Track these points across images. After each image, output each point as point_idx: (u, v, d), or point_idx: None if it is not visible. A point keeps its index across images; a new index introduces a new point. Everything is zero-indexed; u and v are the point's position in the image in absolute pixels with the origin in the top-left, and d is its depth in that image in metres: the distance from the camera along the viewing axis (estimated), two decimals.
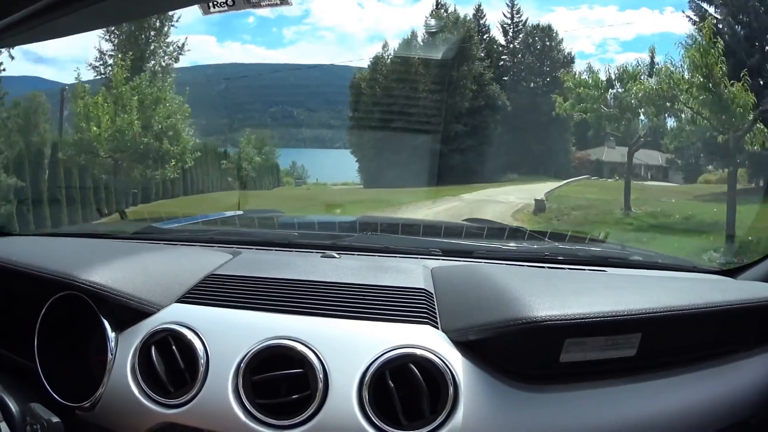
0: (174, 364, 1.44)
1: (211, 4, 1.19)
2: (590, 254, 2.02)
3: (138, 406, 1.42)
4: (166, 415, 1.40)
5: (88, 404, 1.49)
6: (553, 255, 1.94)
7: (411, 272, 1.74)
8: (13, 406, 1.52)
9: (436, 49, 20.90)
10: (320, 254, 1.95)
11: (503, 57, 23.67)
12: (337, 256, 1.92)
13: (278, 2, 1.17)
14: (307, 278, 1.66)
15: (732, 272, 1.80)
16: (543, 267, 1.84)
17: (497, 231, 2.51)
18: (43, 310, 1.60)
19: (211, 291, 1.62)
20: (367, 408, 1.28)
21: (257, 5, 1.17)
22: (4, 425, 1.44)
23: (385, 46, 22.66)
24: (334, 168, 23.87)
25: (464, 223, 2.74)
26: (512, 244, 2.20)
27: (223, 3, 1.16)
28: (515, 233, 2.42)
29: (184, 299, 1.59)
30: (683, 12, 15.11)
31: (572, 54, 23.67)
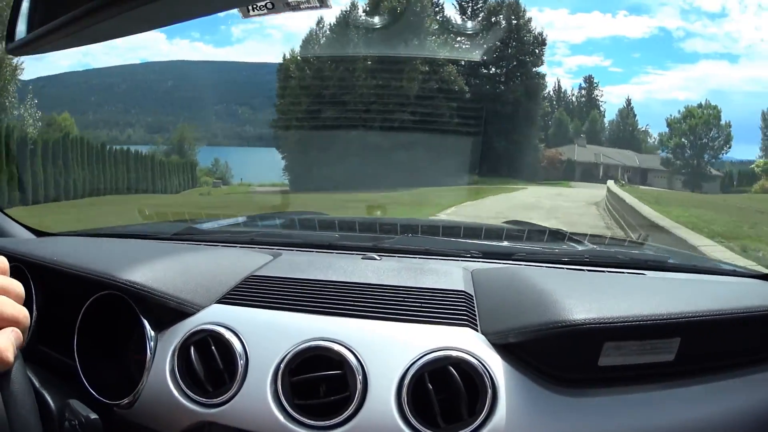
0: (213, 364, 1.45)
1: (250, 8, 1.20)
2: (630, 257, 2.00)
3: (176, 404, 1.44)
4: (204, 415, 1.41)
5: (126, 402, 1.51)
6: (592, 258, 1.93)
7: (451, 274, 1.74)
8: (51, 401, 1.55)
9: (383, 33, 19.33)
10: (361, 256, 1.97)
11: (460, 37, 21.94)
12: (377, 257, 1.93)
13: (317, 5, 1.17)
14: (348, 280, 1.67)
15: None
16: (583, 270, 1.84)
17: (537, 233, 2.50)
18: (83, 309, 1.62)
19: (252, 292, 1.63)
20: (406, 410, 1.28)
21: (296, 8, 1.17)
22: None
23: (329, 37, 21.30)
24: (268, 167, 22.68)
25: (504, 225, 2.73)
26: (552, 247, 2.19)
27: (263, 6, 1.17)
28: (555, 235, 2.40)
29: (224, 300, 1.61)
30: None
31: (544, 36, 23.33)
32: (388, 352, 1.37)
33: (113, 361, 1.65)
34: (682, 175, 29.92)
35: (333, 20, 20.67)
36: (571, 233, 2.37)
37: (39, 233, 2.39)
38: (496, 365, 1.33)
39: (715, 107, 29.59)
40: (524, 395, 1.30)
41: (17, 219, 2.39)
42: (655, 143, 31.48)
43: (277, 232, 2.44)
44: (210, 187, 22.15)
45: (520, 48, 21.88)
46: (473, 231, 2.48)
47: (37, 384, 1.55)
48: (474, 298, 1.58)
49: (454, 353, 1.33)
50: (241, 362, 1.42)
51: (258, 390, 1.38)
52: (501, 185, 19.50)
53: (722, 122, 29.76)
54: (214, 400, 1.41)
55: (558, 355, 1.34)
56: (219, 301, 1.61)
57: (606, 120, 30.36)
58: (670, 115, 30.22)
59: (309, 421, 1.32)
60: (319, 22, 21.57)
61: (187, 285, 1.61)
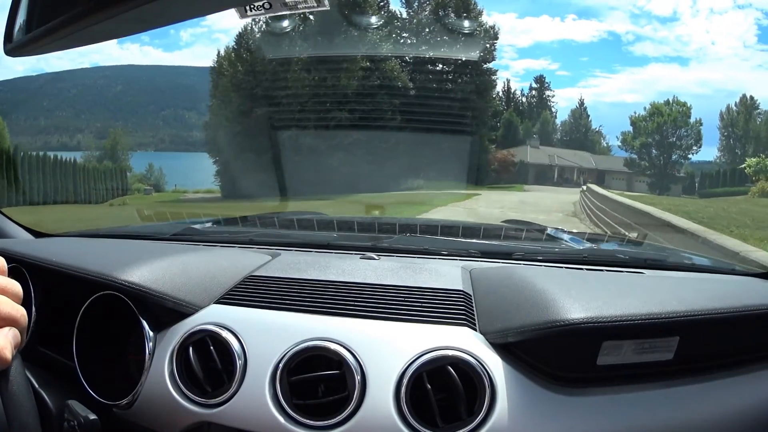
0: (212, 364, 1.46)
1: (248, 8, 1.20)
2: (628, 256, 2.00)
3: (175, 405, 1.44)
4: (202, 415, 1.42)
5: (125, 402, 1.52)
6: (591, 257, 1.93)
7: (449, 274, 1.74)
8: (50, 402, 1.55)
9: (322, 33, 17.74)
10: (359, 256, 1.97)
11: (405, 32, 20.51)
12: (376, 257, 1.94)
13: (315, 4, 1.17)
14: (346, 280, 1.67)
15: None
16: (582, 269, 1.83)
17: (536, 233, 2.50)
18: (82, 310, 1.62)
19: (250, 292, 1.64)
20: (404, 409, 1.29)
21: (294, 8, 1.17)
22: None
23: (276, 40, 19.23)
24: (207, 173, 21.57)
25: (503, 224, 2.73)
26: (551, 246, 2.19)
27: (260, 6, 1.17)
28: (554, 235, 2.40)
29: (222, 300, 1.62)
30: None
31: (496, 30, 22.09)
32: (386, 351, 1.37)
33: (112, 361, 1.65)
34: (648, 177, 28.79)
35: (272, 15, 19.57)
36: (570, 232, 2.37)
37: (38, 234, 2.39)
38: (494, 365, 1.33)
39: (684, 104, 28.65)
40: (523, 395, 1.30)
41: (16, 220, 2.40)
42: (607, 144, 31.16)
43: (276, 233, 2.44)
44: (142, 194, 21.44)
45: (470, 42, 20.36)
46: (472, 230, 2.48)
47: (36, 384, 1.55)
48: (473, 298, 1.58)
49: (452, 353, 1.34)
50: (239, 362, 1.42)
51: (256, 390, 1.38)
52: (450, 190, 18.01)
53: (691, 120, 28.80)
54: (213, 400, 1.41)
55: (557, 355, 1.34)
56: (218, 302, 1.61)
57: (558, 121, 29.44)
58: (635, 113, 29.40)
59: (307, 421, 1.32)
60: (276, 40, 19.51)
61: (186, 285, 1.61)
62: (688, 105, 28.15)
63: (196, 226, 2.43)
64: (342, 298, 1.56)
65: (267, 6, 1.19)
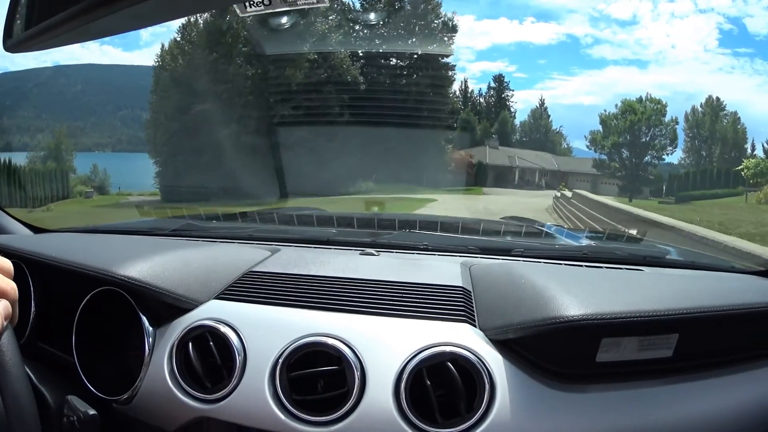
0: (211, 359, 1.46)
1: (247, 4, 1.19)
2: (628, 253, 2.00)
3: (174, 400, 1.45)
4: (202, 410, 1.42)
5: (124, 398, 1.52)
6: (591, 253, 1.94)
7: (449, 270, 1.74)
8: (50, 397, 1.55)
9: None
10: (359, 251, 1.97)
11: (358, 24, 17.95)
12: (375, 253, 1.94)
13: (314, 1, 1.17)
14: (346, 275, 1.67)
15: None
16: (581, 266, 1.83)
17: (536, 229, 2.50)
18: (82, 305, 1.62)
19: (250, 288, 1.64)
20: (404, 405, 1.29)
21: (294, 4, 1.17)
22: None
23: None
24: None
25: (502, 221, 2.74)
26: (550, 243, 2.19)
27: (260, 2, 1.17)
28: (554, 231, 2.40)
29: (222, 296, 1.62)
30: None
31: (455, 21, 20.26)
32: (386, 347, 1.38)
33: (112, 357, 1.65)
34: (618, 179, 26.58)
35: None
36: (569, 229, 2.37)
37: (37, 230, 2.39)
38: (494, 361, 1.33)
39: (659, 101, 26.49)
40: (522, 391, 1.30)
41: (14, 215, 2.40)
42: (568, 145, 28.20)
43: (275, 228, 2.44)
44: (83, 198, 20.23)
45: (427, 34, 19.35)
46: (471, 227, 2.48)
47: (35, 380, 1.55)
48: (472, 294, 1.58)
49: (452, 349, 1.34)
50: (239, 358, 1.42)
51: (256, 385, 1.38)
52: (403, 194, 16.25)
53: (666, 119, 26.61)
54: (213, 395, 1.41)
55: (556, 351, 1.34)
56: (217, 297, 1.61)
57: (517, 121, 28.55)
58: (605, 111, 27.22)
59: (307, 416, 1.32)
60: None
61: (186, 281, 1.61)
62: (664, 102, 26.63)
63: (196, 222, 2.43)
64: (342, 294, 1.56)
65: (267, 2, 1.19)
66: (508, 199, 19.99)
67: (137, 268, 1.60)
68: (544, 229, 2.48)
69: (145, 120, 20.22)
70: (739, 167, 22.99)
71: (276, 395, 1.35)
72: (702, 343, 1.39)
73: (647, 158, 26.53)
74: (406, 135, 17.23)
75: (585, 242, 2.17)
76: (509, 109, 26.76)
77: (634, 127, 26.07)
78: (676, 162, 26.09)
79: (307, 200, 13.67)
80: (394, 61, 19.41)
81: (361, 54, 18.26)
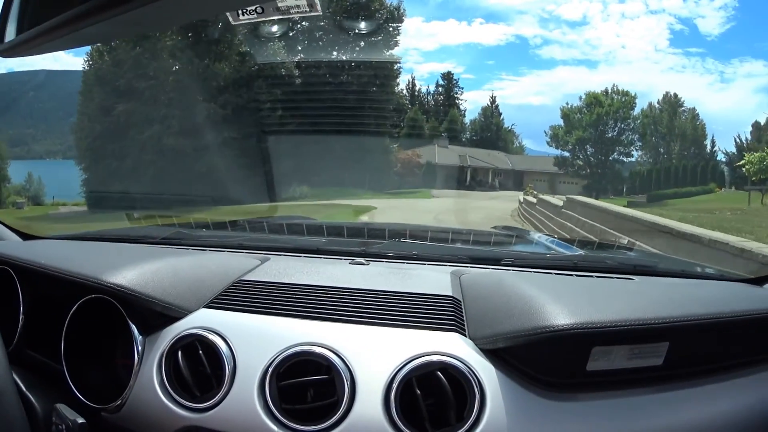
0: (201, 368, 1.45)
1: (240, 12, 1.20)
2: (618, 262, 2.00)
3: (164, 409, 1.44)
4: (191, 419, 1.41)
5: (113, 406, 1.51)
6: (581, 263, 1.94)
7: (439, 280, 1.74)
8: (38, 405, 1.54)
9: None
10: (349, 261, 1.97)
11: (292, 9, 16.25)
12: (365, 262, 1.94)
13: (307, 9, 1.18)
14: (336, 285, 1.67)
15: (760, 280, 1.78)
16: (571, 275, 1.84)
17: (525, 238, 2.51)
18: (71, 313, 1.62)
19: (240, 297, 1.63)
20: (394, 415, 1.28)
21: (287, 12, 1.17)
22: None
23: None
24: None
25: (492, 230, 2.74)
26: (540, 252, 2.20)
27: (253, 11, 1.17)
28: (544, 241, 2.41)
29: (212, 304, 1.61)
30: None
31: (402, 11, 19.31)
32: (375, 357, 1.37)
33: (101, 365, 1.64)
34: (582, 178, 24.99)
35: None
36: (559, 238, 2.38)
37: (26, 236, 2.37)
38: (484, 370, 1.33)
39: (627, 93, 24.82)
40: (513, 400, 1.30)
41: (3, 222, 2.38)
42: (520, 144, 27.92)
43: (265, 237, 2.43)
44: (14, 208, 19.07)
45: (371, 23, 17.29)
46: (461, 236, 2.48)
47: (23, 388, 1.55)
48: (462, 303, 1.58)
49: (441, 358, 1.34)
50: (228, 367, 1.42)
51: (245, 394, 1.37)
52: (340, 200, 15.13)
53: (634, 112, 25.10)
54: (202, 404, 1.41)
55: (546, 360, 1.34)
56: (207, 306, 1.60)
57: (467, 119, 27.37)
58: (567, 103, 25.48)
59: (297, 425, 1.32)
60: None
61: (175, 289, 1.61)
62: (632, 94, 25.02)
63: (185, 230, 2.42)
64: (331, 303, 1.55)
65: (259, 10, 1.19)
66: (463, 204, 18.49)
67: (126, 275, 1.59)
68: (534, 238, 2.48)
69: (72, 124, 19.39)
70: (741, 162, 20.87)
71: (265, 404, 1.35)
72: (692, 351, 1.40)
73: (614, 155, 25.23)
74: (346, 136, 16.00)
75: (575, 251, 2.17)
76: (458, 107, 26.21)
77: (600, 120, 24.65)
78: (633, 159, 25.42)
79: (230, 208, 12.77)
80: (336, 54, 18.24)
81: (297, 46, 17.38)
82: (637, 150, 25.49)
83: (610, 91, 24.88)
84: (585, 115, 24.77)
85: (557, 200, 14.57)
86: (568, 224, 11.99)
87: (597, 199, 21.14)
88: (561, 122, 25.56)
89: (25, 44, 1.03)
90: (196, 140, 15.09)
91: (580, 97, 25.04)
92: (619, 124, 24.84)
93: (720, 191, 22.84)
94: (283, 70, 16.17)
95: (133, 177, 15.10)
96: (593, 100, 24.54)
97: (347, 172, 16.99)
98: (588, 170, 24.91)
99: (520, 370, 1.34)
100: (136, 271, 1.62)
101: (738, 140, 23.57)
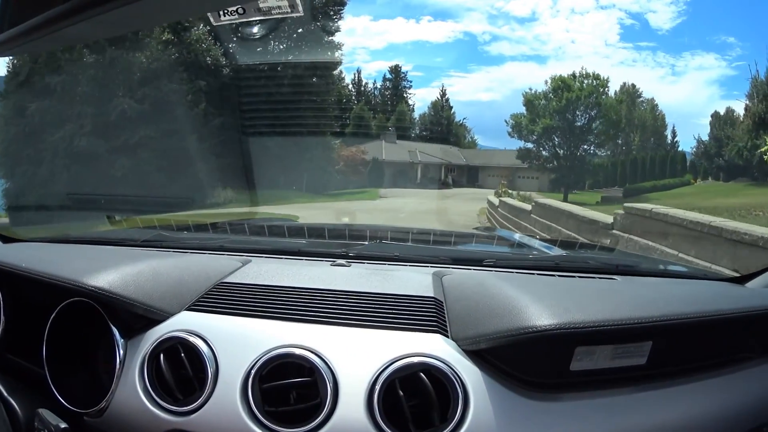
0: (183, 371, 1.44)
1: (221, 13, 1.20)
2: (600, 262, 2.01)
3: (146, 412, 1.43)
4: (174, 422, 1.40)
5: (96, 410, 1.49)
6: (563, 263, 1.94)
7: (421, 281, 1.74)
8: (20, 410, 1.53)
9: None
10: (330, 262, 1.95)
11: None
12: (347, 264, 1.93)
13: (289, 10, 1.18)
14: (317, 287, 1.66)
15: (742, 279, 1.80)
16: (553, 275, 1.84)
17: (507, 239, 2.51)
18: (52, 317, 1.60)
19: (221, 299, 1.62)
20: (377, 416, 1.28)
21: (268, 14, 1.17)
22: None
23: None
24: None
25: (474, 231, 2.75)
26: (522, 253, 2.20)
27: (234, 12, 1.17)
28: (525, 241, 2.42)
29: (193, 307, 1.60)
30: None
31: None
32: (358, 358, 1.37)
33: (83, 369, 1.62)
34: (550, 171, 22.45)
35: None
36: (541, 238, 2.39)
37: (6, 239, 2.35)
38: (467, 371, 1.33)
39: (599, 76, 21.99)
40: (496, 401, 1.30)
41: None
42: (472, 138, 25.48)
43: (246, 239, 2.43)
44: None
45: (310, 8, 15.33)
46: (443, 237, 2.49)
47: (5, 392, 1.53)
48: (444, 305, 1.57)
49: (424, 359, 1.34)
50: (211, 370, 1.41)
51: (228, 397, 1.37)
52: (264, 206, 12.81)
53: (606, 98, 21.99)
54: (184, 407, 1.39)
55: (529, 361, 1.34)
56: (188, 308, 1.59)
57: (416, 114, 26.08)
58: (530, 89, 22.66)
59: (280, 428, 1.31)
60: None
61: (157, 291, 1.59)
62: (604, 78, 22.29)
63: (167, 232, 2.41)
64: (313, 305, 1.55)
65: (240, 12, 1.19)
66: (412, 204, 16.35)
67: (107, 278, 1.58)
68: (516, 239, 2.49)
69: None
70: (762, 149, 17.21)
71: (248, 407, 1.34)
72: (675, 351, 1.40)
73: (584, 145, 22.66)
74: (281, 130, 14.18)
75: (557, 252, 2.18)
76: (407, 102, 24.50)
77: (570, 107, 22.15)
78: (602, 152, 23.43)
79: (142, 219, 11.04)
80: (273, 44, 16.29)
81: (224, 34, 14.02)
82: (611, 140, 23.59)
83: (578, 74, 22.59)
84: (551, 101, 22.45)
85: (564, 204, 11.87)
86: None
87: (567, 194, 20.58)
88: (513, 116, 23.18)
89: (5, 44, 1.03)
90: (109, 141, 13.97)
91: (546, 81, 22.94)
92: (590, 111, 22.40)
93: (696, 183, 22.42)
94: (208, 59, 15.09)
95: (51, 182, 13.70)
96: (561, 84, 22.21)
97: (283, 173, 15.54)
98: (555, 163, 22.68)
99: (503, 370, 1.34)
100: (117, 273, 1.61)
101: (716, 130, 22.44)
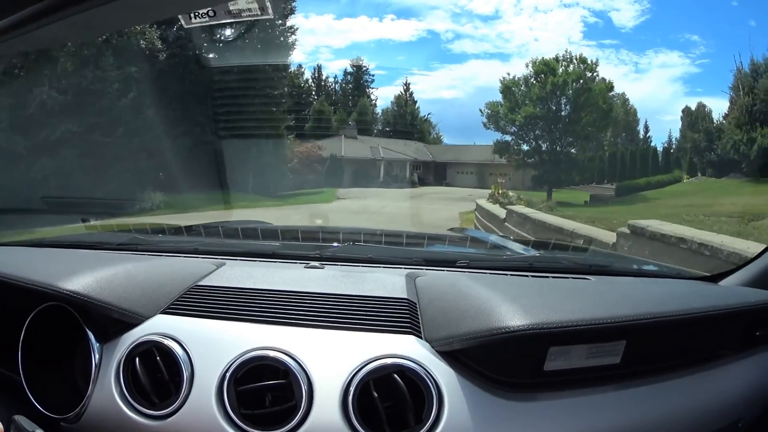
0: (159, 375, 1.43)
1: (192, 15, 1.20)
2: (574, 262, 2.03)
3: (123, 417, 1.42)
4: (150, 426, 1.40)
5: (72, 416, 1.48)
6: (536, 264, 1.95)
7: (394, 282, 1.74)
8: None
9: None
10: (304, 265, 1.95)
11: None
12: (320, 266, 1.92)
13: (259, 13, 1.18)
14: (291, 289, 1.66)
15: (715, 278, 1.82)
16: (527, 275, 1.85)
17: (481, 240, 2.52)
18: (27, 322, 1.59)
19: (196, 302, 1.62)
20: (352, 418, 1.29)
21: (238, 16, 1.18)
22: None
23: None
24: None
25: (447, 233, 2.75)
26: (496, 254, 2.21)
27: (204, 14, 1.18)
28: (499, 242, 2.43)
29: (168, 310, 1.59)
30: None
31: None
32: (332, 360, 1.37)
33: (59, 374, 1.61)
34: (532, 168, 20.19)
35: None
36: (514, 239, 2.40)
37: None
38: (441, 372, 1.33)
39: (585, 60, 19.62)
40: (471, 401, 1.30)
41: None
42: (437, 134, 24.36)
43: (220, 242, 2.42)
44: None
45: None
46: (416, 239, 2.49)
47: None
48: (417, 306, 1.58)
49: (398, 361, 1.34)
50: (186, 373, 1.40)
51: (204, 400, 1.36)
52: (197, 210, 11.60)
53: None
54: (161, 411, 1.39)
55: (503, 361, 1.35)
56: (164, 311, 1.58)
57: (379, 110, 25.12)
58: (508, 74, 20.25)
59: (256, 430, 1.32)
60: None
61: (131, 295, 1.58)
62: (592, 61, 19.85)
63: (141, 236, 2.39)
64: (287, 308, 1.55)
65: (211, 14, 1.20)
66: (374, 207, 15.30)
67: (82, 282, 1.57)
68: (489, 240, 2.49)
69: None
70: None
71: (224, 410, 1.34)
72: (650, 349, 1.42)
73: (570, 138, 20.18)
74: (230, 126, 13.26)
75: (531, 252, 2.19)
76: (369, 97, 23.55)
77: (555, 93, 19.57)
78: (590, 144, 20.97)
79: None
80: (222, 34, 14.22)
81: (173, 24, 13.17)
82: (601, 132, 21.34)
83: (560, 57, 19.90)
84: (533, 86, 19.95)
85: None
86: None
87: (550, 194, 18.79)
88: (489, 105, 20.71)
89: None
90: (33, 138, 13.14)
91: (526, 65, 20.61)
92: (578, 98, 19.63)
93: (688, 179, 21.96)
94: (143, 43, 14.23)
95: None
96: (544, 68, 19.73)
97: (226, 172, 13.28)
98: (537, 158, 20.23)
99: (477, 371, 1.35)
100: (92, 277, 1.60)
101: (710, 123, 21.87)
